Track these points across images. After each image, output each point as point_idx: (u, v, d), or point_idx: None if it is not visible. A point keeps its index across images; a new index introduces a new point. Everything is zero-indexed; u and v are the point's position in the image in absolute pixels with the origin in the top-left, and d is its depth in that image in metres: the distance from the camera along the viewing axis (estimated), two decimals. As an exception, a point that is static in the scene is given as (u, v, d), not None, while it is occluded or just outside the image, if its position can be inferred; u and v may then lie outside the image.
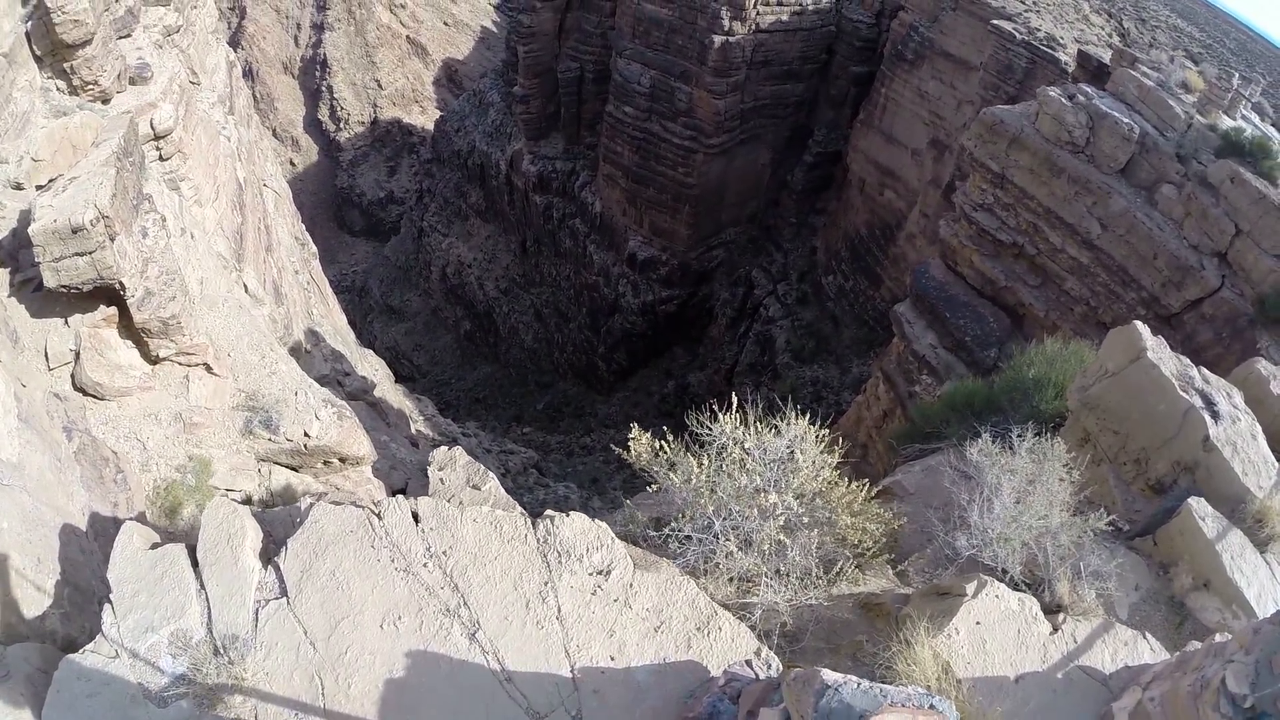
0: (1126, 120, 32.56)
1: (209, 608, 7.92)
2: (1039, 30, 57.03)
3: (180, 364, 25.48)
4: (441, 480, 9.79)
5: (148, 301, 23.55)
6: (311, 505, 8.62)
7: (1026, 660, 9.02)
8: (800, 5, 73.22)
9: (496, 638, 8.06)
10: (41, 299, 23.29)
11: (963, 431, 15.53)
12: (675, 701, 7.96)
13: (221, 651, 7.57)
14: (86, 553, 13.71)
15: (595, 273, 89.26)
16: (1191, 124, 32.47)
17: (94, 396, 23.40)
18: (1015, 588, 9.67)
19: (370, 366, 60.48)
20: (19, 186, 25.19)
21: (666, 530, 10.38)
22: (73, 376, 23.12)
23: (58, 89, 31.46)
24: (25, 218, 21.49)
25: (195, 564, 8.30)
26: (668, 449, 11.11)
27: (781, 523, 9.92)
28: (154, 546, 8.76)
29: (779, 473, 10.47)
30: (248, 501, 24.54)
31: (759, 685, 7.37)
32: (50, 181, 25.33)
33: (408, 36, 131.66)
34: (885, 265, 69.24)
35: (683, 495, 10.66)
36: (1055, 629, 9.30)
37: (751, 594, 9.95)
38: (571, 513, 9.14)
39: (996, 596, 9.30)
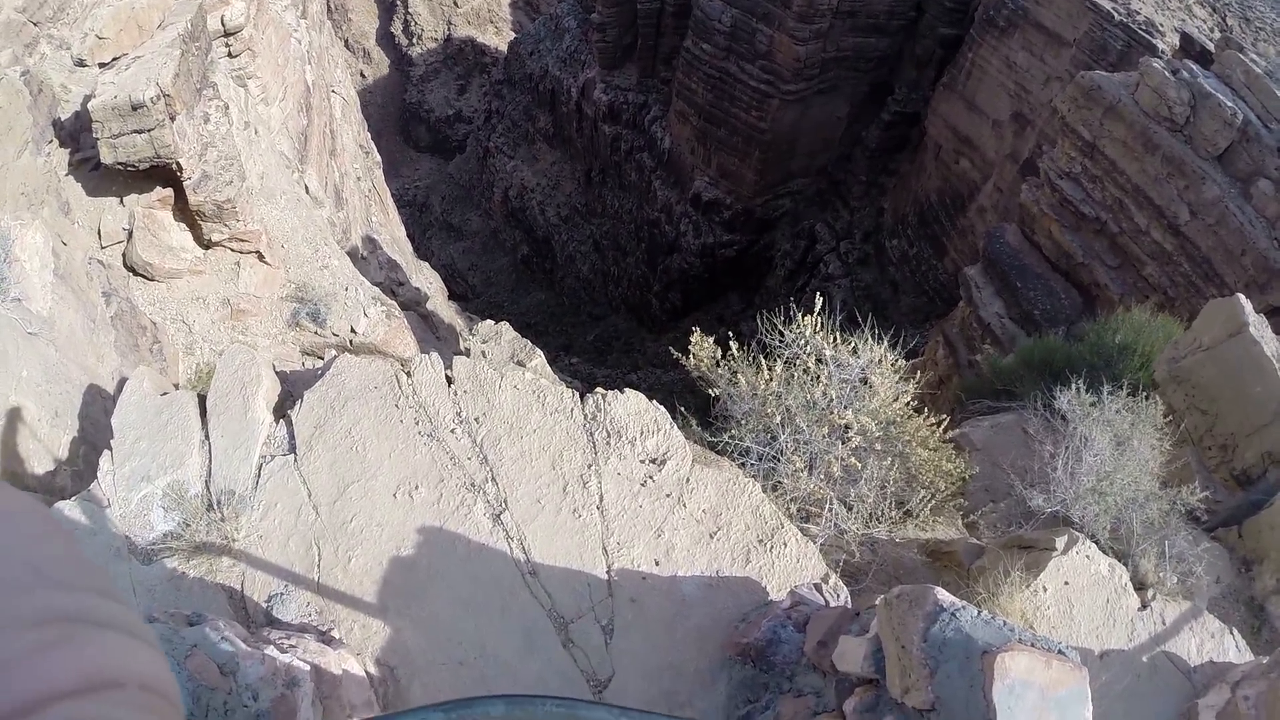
0: (1231, 104, 30.47)
1: (210, 460, 7.20)
2: (1139, 13, 53.99)
3: (232, 250, 25.26)
4: (484, 354, 8.90)
5: (204, 184, 23.25)
6: (335, 357, 7.79)
7: (1113, 635, 8.01)
8: None
9: (525, 522, 7.12)
10: (99, 178, 23.16)
11: (1037, 391, 14.43)
12: (726, 623, 6.93)
13: (215, 507, 6.85)
14: (109, 414, 13.36)
15: (658, 209, 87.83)
16: (1299, 119, 30.28)
17: (144, 276, 23.32)
18: (1102, 552, 8.62)
19: (425, 279, 60.32)
20: (82, 63, 24.94)
21: (724, 438, 9.40)
22: (124, 255, 23.05)
23: (129, -22, 31.20)
24: (88, 100, 21.29)
25: (205, 414, 7.59)
26: (732, 355, 10.17)
27: (854, 445, 8.88)
28: (165, 394, 8.09)
29: (852, 394, 9.43)
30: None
31: (833, 612, 6.29)
32: (114, 60, 25.14)
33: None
34: (952, 235, 66.81)
35: (744, 407, 9.68)
36: (1144, 605, 8.25)
37: (813, 521, 8.95)
38: (626, 390, 8.09)
39: (1087, 556, 8.21)
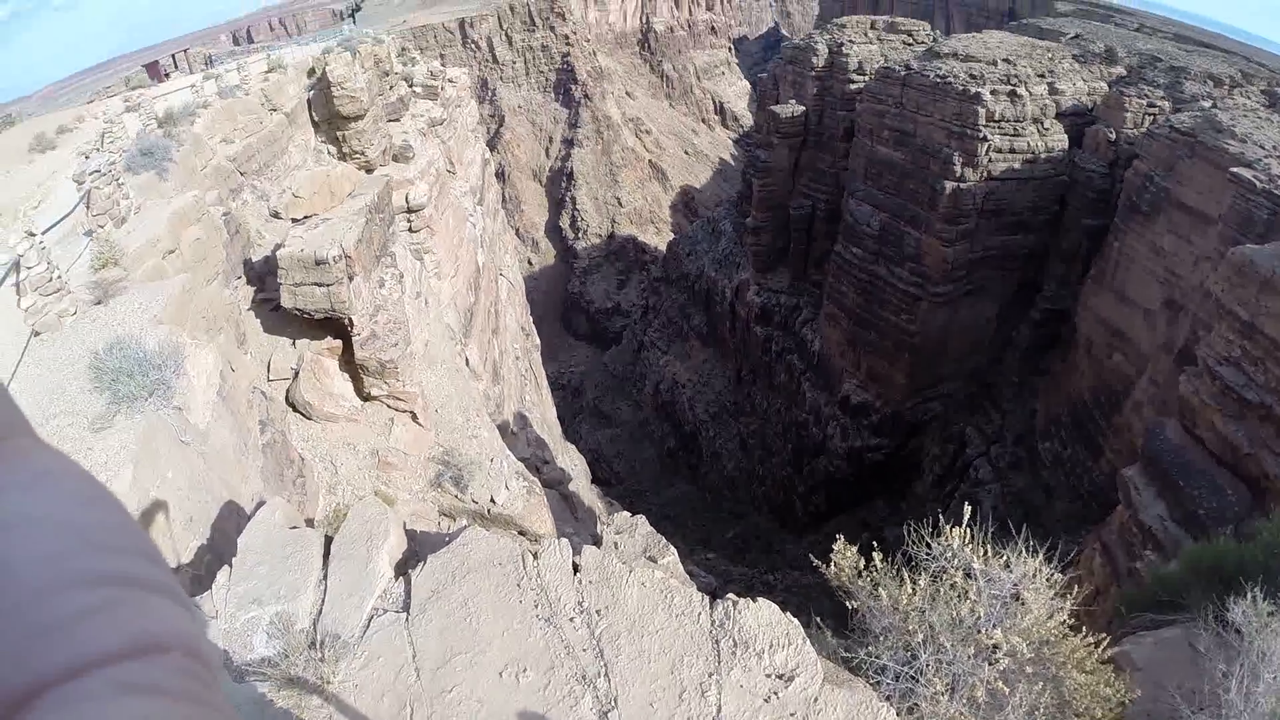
0: (1392, 257, 28.13)
1: (324, 600, 6.86)
2: None
3: (388, 406, 26.14)
4: (616, 544, 8.37)
5: (371, 342, 24.43)
6: (465, 527, 7.44)
7: None
8: (1033, 153, 70.21)
9: None
10: (277, 318, 24.77)
11: (1206, 601, 12.67)
12: None
13: (317, 646, 6.42)
14: (240, 532, 13.50)
15: (806, 410, 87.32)
16: None
17: (302, 414, 24.30)
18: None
19: (570, 461, 60.91)
20: (276, 215, 27.32)
21: (860, 654, 8.43)
22: (288, 392, 24.20)
23: (328, 153, 34.57)
24: (278, 248, 23.13)
25: (328, 555, 7.30)
26: (875, 565, 9.31)
27: (1002, 667, 7.79)
28: (295, 528, 7.91)
29: (1002, 612, 8.38)
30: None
31: None
32: (305, 218, 27.36)
33: (650, 161, 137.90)
34: (1108, 435, 63.22)
35: (884, 622, 8.74)
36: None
37: None
38: (759, 599, 7.41)
39: None
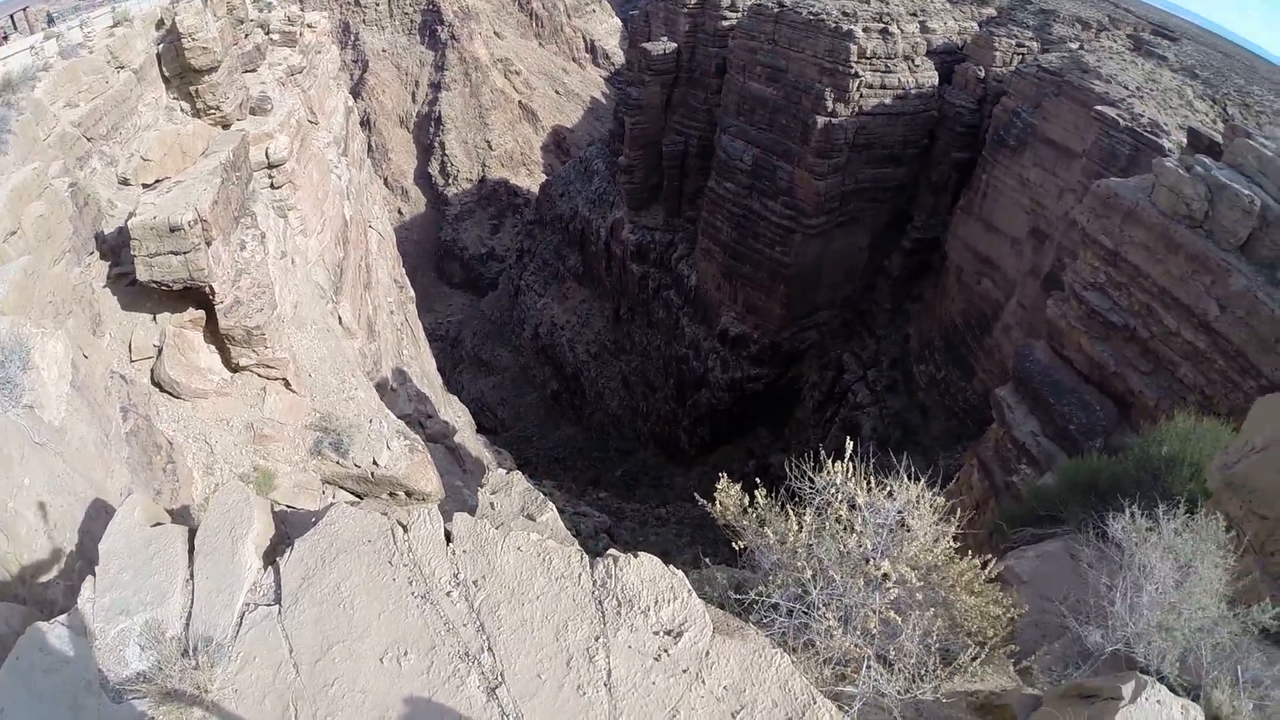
0: (1247, 192, 30.05)
1: (192, 601, 6.60)
2: (1142, 116, 54.70)
3: (259, 375, 25.21)
4: (492, 505, 8.25)
5: (235, 309, 23.38)
6: (330, 505, 7.22)
7: None
8: (903, 89, 72.46)
9: (523, 698, 6.33)
10: (135, 293, 23.43)
11: (1084, 515, 13.56)
12: (748, 822, 5.98)
13: (190, 653, 6.21)
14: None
15: (686, 345, 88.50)
16: (1317, 197, 29.92)
17: (170, 394, 23.24)
18: (1172, 692, 7.71)
19: (454, 413, 60.35)
20: (125, 182, 25.65)
21: (751, 595, 8.61)
22: (152, 371, 23.06)
23: (181, 110, 32.55)
24: (129, 218, 21.77)
25: (193, 551, 7.04)
26: (758, 503, 9.49)
27: (893, 597, 8.08)
28: (157, 525, 7.57)
29: (889, 541, 8.69)
30: (305, 526, 23.80)
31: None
32: (157, 182, 25.79)
33: (520, 102, 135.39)
34: (979, 356, 66.71)
35: (773, 559, 8.94)
36: (1222, 749, 7.31)
37: (850, 682, 8.08)
38: (641, 554, 7.33)
39: (1158, 702, 7.24)
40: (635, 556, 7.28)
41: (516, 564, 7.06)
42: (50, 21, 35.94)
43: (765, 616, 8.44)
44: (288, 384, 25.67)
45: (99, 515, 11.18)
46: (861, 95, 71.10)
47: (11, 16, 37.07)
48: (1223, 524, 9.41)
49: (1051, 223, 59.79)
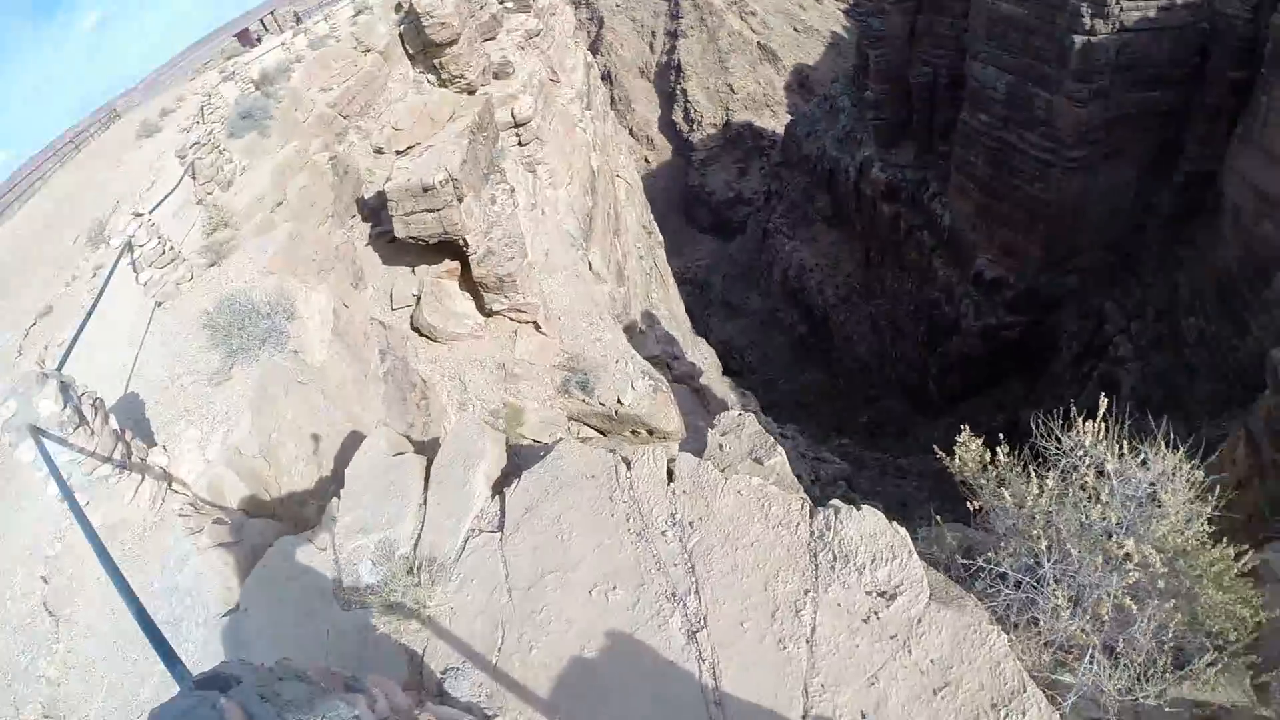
0: None
1: (423, 525, 7.17)
2: None
3: (511, 319, 26.83)
4: (721, 446, 8.25)
5: (487, 259, 24.97)
6: (559, 439, 7.56)
7: None
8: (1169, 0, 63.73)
9: (721, 645, 6.30)
10: (394, 249, 25.66)
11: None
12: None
13: (415, 571, 6.75)
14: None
15: (938, 289, 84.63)
16: None
17: (428, 337, 25.30)
18: None
19: (700, 355, 61.31)
20: (380, 150, 28.01)
21: (979, 560, 8.11)
22: (412, 318, 25.19)
23: (429, 82, 34.86)
24: (386, 183, 23.89)
25: (428, 480, 7.63)
26: (1000, 461, 8.92)
27: (1132, 581, 7.33)
28: (399, 455, 8.27)
29: (1136, 516, 7.90)
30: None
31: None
32: (409, 149, 27.98)
33: (759, 43, 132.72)
34: (1255, 311, 58.18)
35: (1008, 523, 8.38)
36: None
37: (1068, 670, 7.45)
38: (865, 507, 7.08)
39: None
40: (858, 509, 7.05)
41: (735, 508, 7.05)
42: (298, 20, 39.49)
43: (991, 585, 7.92)
44: (538, 327, 27.11)
45: (354, 445, 12.38)
46: (1122, 9, 63.25)
47: (261, 20, 40.95)
48: None
49: (1347, 152, 51.00)
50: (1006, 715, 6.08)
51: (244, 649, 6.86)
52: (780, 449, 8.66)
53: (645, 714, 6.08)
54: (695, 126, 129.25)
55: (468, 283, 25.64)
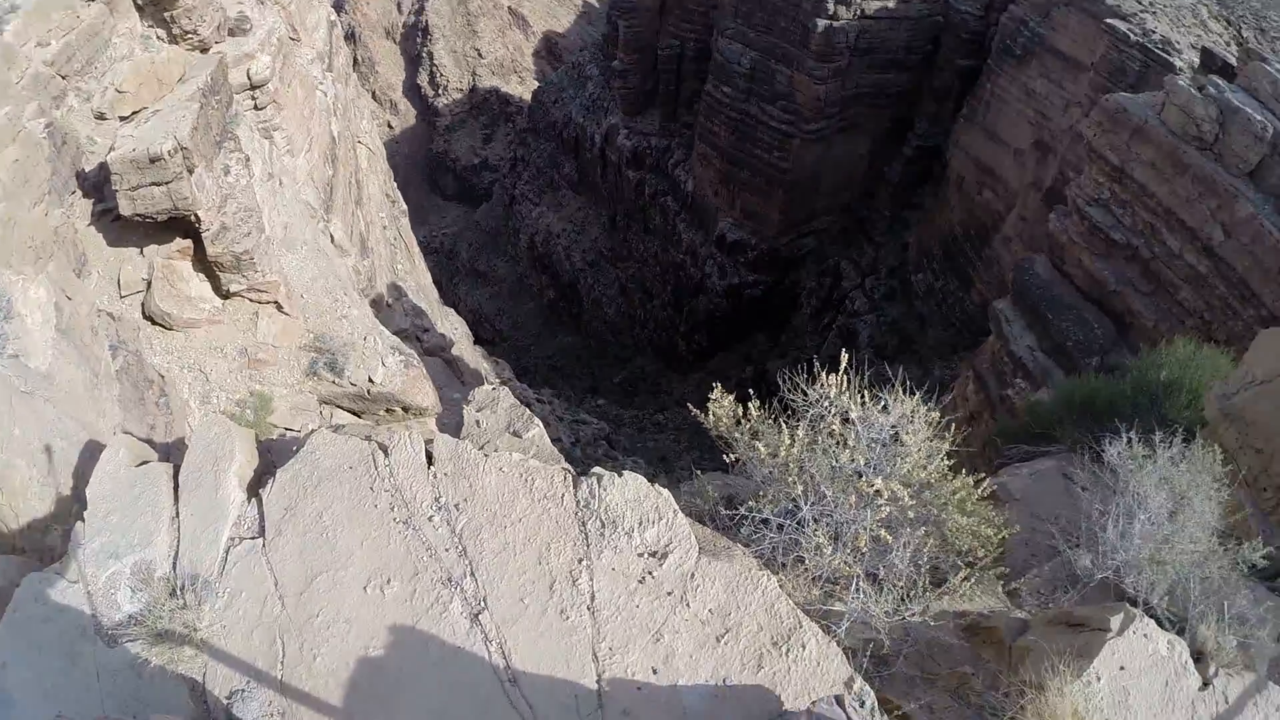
0: (1260, 118, 29.56)
1: (179, 539, 6.64)
2: (1154, 32, 53.15)
3: (251, 300, 25.10)
4: (478, 423, 8.22)
5: (222, 235, 23.13)
6: (312, 431, 7.23)
7: None
8: None
9: (506, 624, 6.37)
10: (119, 228, 23.13)
11: (1079, 435, 13.59)
12: (734, 740, 6.09)
13: (178, 593, 6.30)
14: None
15: (683, 251, 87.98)
16: (1331, 131, 29.37)
17: (162, 326, 23.21)
18: (1159, 625, 7.80)
19: (450, 325, 60.42)
20: (102, 116, 25.00)
21: (741, 510, 8.63)
22: (143, 305, 22.98)
23: (157, 37, 31.50)
24: (110, 153, 21.37)
25: (178, 489, 7.08)
26: (751, 415, 9.45)
27: (885, 514, 8.04)
28: (143, 464, 7.61)
29: (882, 456, 8.67)
30: (305, 445, 24.10)
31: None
32: (134, 114, 25.22)
33: (509, 7, 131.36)
34: (978, 267, 66.48)
35: (765, 472, 8.92)
36: (1205, 683, 7.43)
37: (838, 600, 8.12)
38: (625, 473, 7.26)
39: (1145, 636, 7.33)
40: (620, 476, 7.23)
41: (499, 486, 7.02)
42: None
43: (756, 531, 8.45)
44: (280, 307, 25.60)
45: (93, 456, 11.22)
46: (864, -2, 68.88)
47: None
48: (1219, 456, 9.39)
49: (1055, 135, 58.85)
50: (788, 650, 6.49)
51: (11, 709, 6.13)
52: (537, 421, 8.77)
53: (441, 703, 6.05)
54: (441, 91, 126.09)
55: (202, 263, 23.70)
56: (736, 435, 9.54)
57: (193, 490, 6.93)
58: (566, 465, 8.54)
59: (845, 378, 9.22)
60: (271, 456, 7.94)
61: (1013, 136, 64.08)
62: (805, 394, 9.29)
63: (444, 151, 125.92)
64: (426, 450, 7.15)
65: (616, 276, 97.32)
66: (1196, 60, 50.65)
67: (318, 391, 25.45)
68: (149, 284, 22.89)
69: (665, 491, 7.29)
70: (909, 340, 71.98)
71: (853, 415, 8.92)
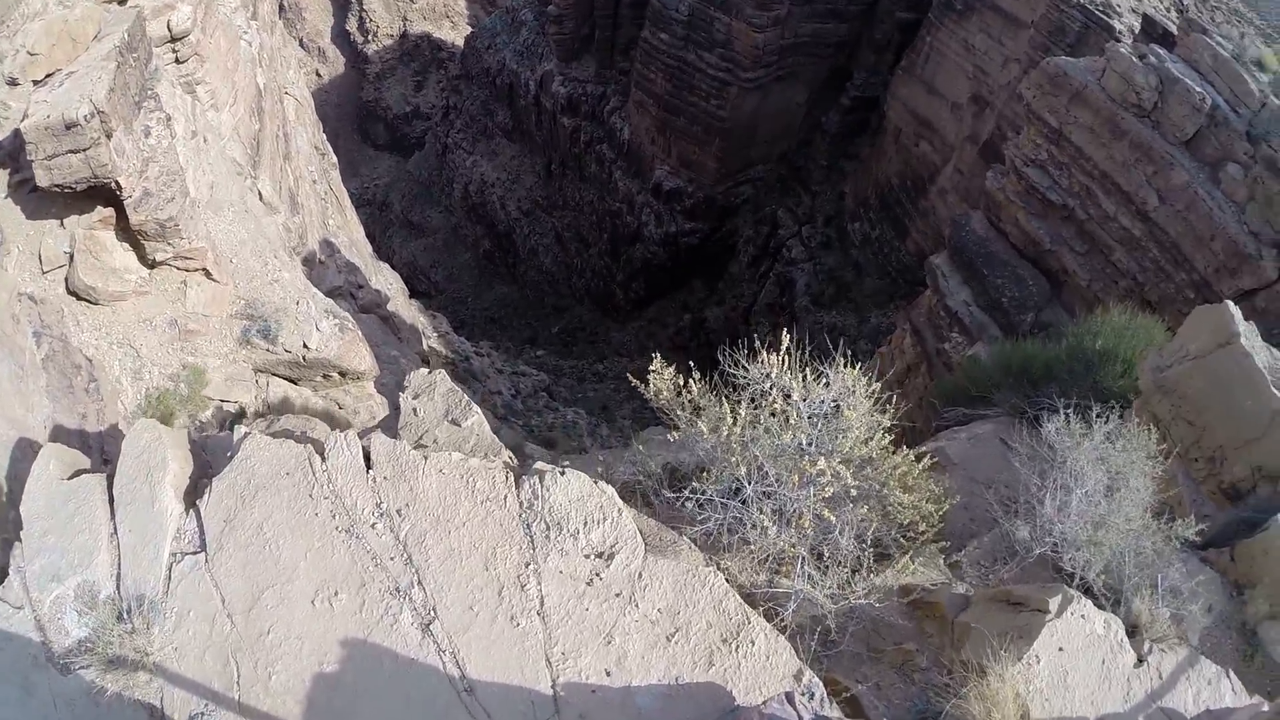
0: (1199, 89, 30.09)
1: (119, 557, 6.47)
2: None
3: (178, 268, 24.27)
4: (415, 410, 8.06)
5: (145, 202, 22.19)
6: (244, 436, 7.06)
7: (1109, 699, 7.42)
8: None
9: (457, 632, 6.35)
10: (37, 200, 21.98)
11: (1016, 399, 13.95)
12: (688, 738, 6.18)
13: (126, 616, 6.17)
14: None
15: (619, 200, 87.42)
16: (1266, 104, 29.85)
17: (87, 301, 22.30)
18: (1096, 603, 8.11)
19: (385, 280, 59.57)
20: (14, 82, 23.61)
21: (685, 492, 8.67)
22: (66, 280, 22.05)
23: (74, -12, 29.88)
24: (23, 121, 20.25)
25: (113, 502, 6.89)
26: (692, 388, 9.49)
27: (828, 494, 8.13)
28: (75, 475, 7.37)
29: (824, 431, 8.79)
30: (241, 415, 23.63)
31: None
32: (48, 77, 23.84)
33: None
34: (914, 217, 67.40)
35: (707, 445, 9.01)
36: (1140, 660, 7.77)
37: (784, 578, 8.21)
38: (567, 470, 7.21)
39: (1082, 616, 7.60)
40: (562, 474, 7.19)
41: (440, 488, 6.92)
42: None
43: (700, 513, 8.50)
44: (208, 274, 24.82)
45: (25, 456, 10.84)
46: (805, -54, 68.37)
47: None
48: (1154, 435, 9.67)
49: (994, 90, 59.40)
50: (738, 647, 6.61)
51: (-31, 747, 5.98)
52: (475, 408, 8.65)
53: (400, 716, 6.06)
54: (371, 38, 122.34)
55: (126, 232, 22.75)
56: (679, 412, 9.60)
57: (128, 504, 6.73)
58: (508, 457, 8.46)
59: (786, 355, 9.28)
60: (206, 456, 7.76)
61: (951, 90, 64.54)
62: (746, 369, 9.33)
63: (374, 100, 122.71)
64: (364, 451, 7.04)
65: (552, 225, 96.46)
66: (1136, 25, 51.53)
67: (252, 360, 24.94)
68: (71, 257, 22.02)
69: (609, 489, 7.29)
70: (845, 288, 72.83)
71: (794, 395, 8.99)
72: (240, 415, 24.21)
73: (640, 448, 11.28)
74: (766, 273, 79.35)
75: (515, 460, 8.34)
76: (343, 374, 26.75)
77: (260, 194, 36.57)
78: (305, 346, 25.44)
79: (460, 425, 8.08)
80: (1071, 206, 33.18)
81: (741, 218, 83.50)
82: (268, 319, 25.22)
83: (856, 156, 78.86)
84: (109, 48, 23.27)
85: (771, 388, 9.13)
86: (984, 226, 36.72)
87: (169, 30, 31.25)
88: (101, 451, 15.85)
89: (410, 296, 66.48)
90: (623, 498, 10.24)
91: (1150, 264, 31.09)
